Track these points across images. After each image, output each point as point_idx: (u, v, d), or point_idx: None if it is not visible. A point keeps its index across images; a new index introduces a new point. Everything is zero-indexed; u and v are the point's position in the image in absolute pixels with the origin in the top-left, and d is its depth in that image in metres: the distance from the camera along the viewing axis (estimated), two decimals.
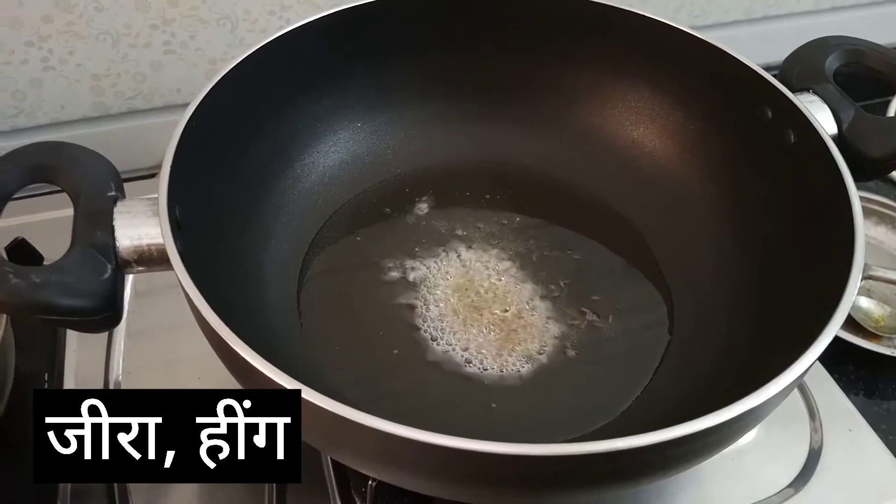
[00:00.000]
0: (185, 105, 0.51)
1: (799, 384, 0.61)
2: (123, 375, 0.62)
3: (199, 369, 0.62)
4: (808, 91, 0.58)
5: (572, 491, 0.40)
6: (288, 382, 0.37)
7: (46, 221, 0.70)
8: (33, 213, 0.70)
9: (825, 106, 0.56)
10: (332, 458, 0.56)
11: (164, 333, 0.65)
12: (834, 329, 0.42)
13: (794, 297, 0.50)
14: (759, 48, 0.59)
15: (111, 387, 0.61)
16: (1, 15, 0.72)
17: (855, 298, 0.73)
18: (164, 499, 0.56)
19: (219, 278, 0.50)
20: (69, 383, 0.61)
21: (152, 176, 0.84)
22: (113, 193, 0.47)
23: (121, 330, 0.64)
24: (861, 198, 0.49)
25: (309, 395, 0.36)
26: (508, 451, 0.35)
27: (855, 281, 0.44)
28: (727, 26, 1.00)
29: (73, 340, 0.64)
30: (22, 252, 0.62)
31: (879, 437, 0.62)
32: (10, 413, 0.54)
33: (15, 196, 0.47)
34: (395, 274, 0.62)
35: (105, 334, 0.64)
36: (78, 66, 0.78)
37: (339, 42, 0.64)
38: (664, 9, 0.93)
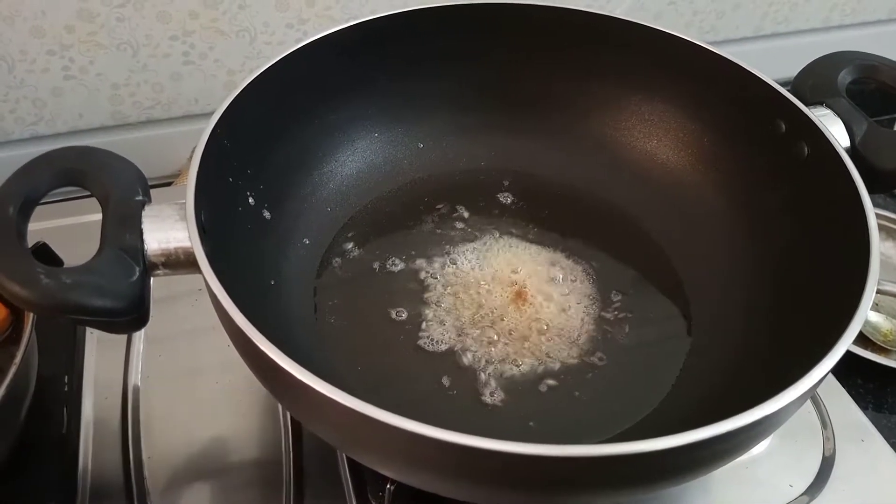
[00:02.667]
0: (203, 115, 0.53)
1: (812, 395, 0.62)
2: (142, 380, 0.63)
3: (216, 375, 0.63)
4: (822, 105, 0.59)
5: (592, 493, 0.41)
6: (312, 381, 0.38)
7: (67, 227, 0.70)
8: (54, 218, 0.71)
9: (838, 119, 0.57)
10: (348, 463, 0.57)
11: (182, 340, 0.66)
12: (850, 338, 0.42)
13: (810, 306, 0.51)
14: (768, 64, 0.60)
15: (130, 392, 0.62)
16: (24, 24, 0.74)
17: None
18: (180, 500, 0.56)
19: (241, 282, 0.51)
20: (88, 388, 0.62)
21: (170, 184, 0.86)
22: (141, 198, 0.47)
23: (139, 335, 0.65)
24: None
25: (333, 393, 0.37)
26: (530, 452, 0.36)
27: (871, 291, 0.45)
28: (737, 42, 1.01)
29: (93, 346, 0.65)
30: (43, 256, 0.63)
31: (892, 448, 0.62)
32: (32, 415, 0.54)
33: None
34: (412, 284, 0.62)
35: (124, 340, 0.65)
36: (98, 76, 0.80)
37: (357, 54, 0.65)
38: (674, 24, 0.94)
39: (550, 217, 0.68)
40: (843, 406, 0.65)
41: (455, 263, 0.64)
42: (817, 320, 0.47)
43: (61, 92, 0.80)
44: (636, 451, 0.36)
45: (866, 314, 0.44)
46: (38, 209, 0.47)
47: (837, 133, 0.56)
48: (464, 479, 0.40)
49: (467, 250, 0.65)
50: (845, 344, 0.42)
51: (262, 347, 0.39)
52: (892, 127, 0.90)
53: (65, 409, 0.59)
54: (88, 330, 0.65)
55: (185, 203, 0.46)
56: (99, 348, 0.64)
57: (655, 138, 0.68)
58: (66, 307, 0.41)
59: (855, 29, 1.06)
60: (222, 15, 0.79)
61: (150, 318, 0.59)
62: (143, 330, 0.64)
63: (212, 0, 0.77)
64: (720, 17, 0.97)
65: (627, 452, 0.36)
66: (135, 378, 0.63)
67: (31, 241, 0.63)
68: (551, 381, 0.56)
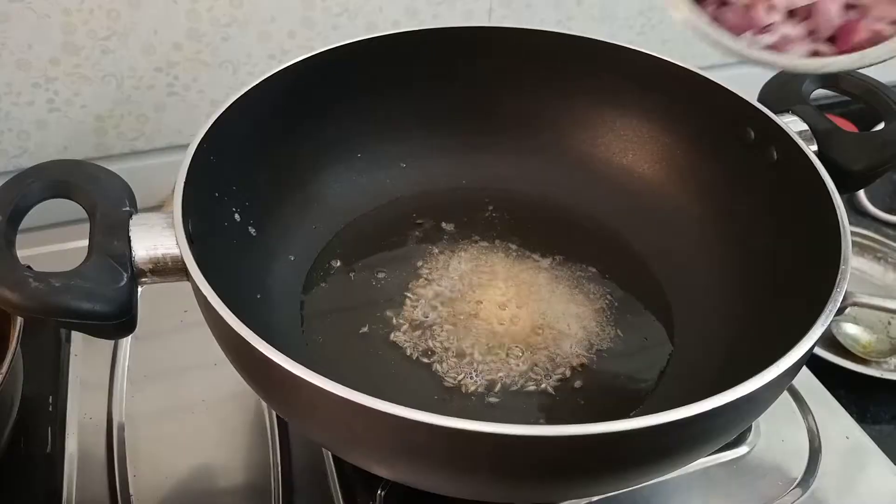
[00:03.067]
0: (187, 146, 0.53)
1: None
2: (128, 400, 0.62)
3: (203, 393, 0.63)
4: (788, 112, 0.61)
5: (587, 477, 0.41)
6: (303, 372, 0.38)
7: (52, 253, 0.71)
8: (39, 245, 0.71)
9: (805, 124, 0.60)
10: (338, 476, 0.57)
11: (168, 359, 0.66)
12: (824, 324, 0.43)
13: (787, 300, 0.52)
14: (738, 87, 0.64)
15: (115, 411, 0.61)
16: (10, 57, 0.75)
17: (843, 325, 0.77)
18: (172, 499, 0.56)
19: (226, 295, 0.52)
20: (73, 408, 0.61)
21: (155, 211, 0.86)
22: (128, 209, 0.48)
23: (124, 355, 0.65)
24: None
25: (324, 383, 0.37)
26: (521, 433, 0.36)
27: (843, 277, 0.46)
28: (705, 70, 1.04)
29: (77, 366, 0.65)
30: None
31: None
32: (16, 435, 0.54)
33: (22, 227, 0.48)
34: (398, 297, 0.63)
35: (108, 360, 0.65)
36: (83, 108, 0.81)
37: (339, 76, 0.67)
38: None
39: (533, 231, 0.69)
40: (827, 407, 0.66)
41: (441, 277, 0.65)
42: (795, 312, 0.48)
43: (46, 124, 0.80)
44: (621, 429, 0.36)
45: (839, 301, 0.45)
46: (24, 236, 0.47)
47: (805, 137, 0.58)
48: (457, 468, 0.40)
49: (453, 263, 0.66)
50: (820, 328, 0.43)
51: (252, 342, 0.40)
52: None
53: (49, 429, 0.58)
54: (73, 351, 0.65)
55: (172, 212, 0.47)
56: (84, 369, 0.64)
57: (631, 152, 0.70)
58: (55, 310, 0.42)
59: None
60: (206, 47, 0.80)
61: (136, 337, 0.60)
62: (128, 349, 0.65)
63: (195, 32, 0.79)
64: (688, 46, 1.01)
65: (616, 430, 0.36)
66: (120, 398, 0.62)
67: None
68: (540, 387, 0.57)
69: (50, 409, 0.60)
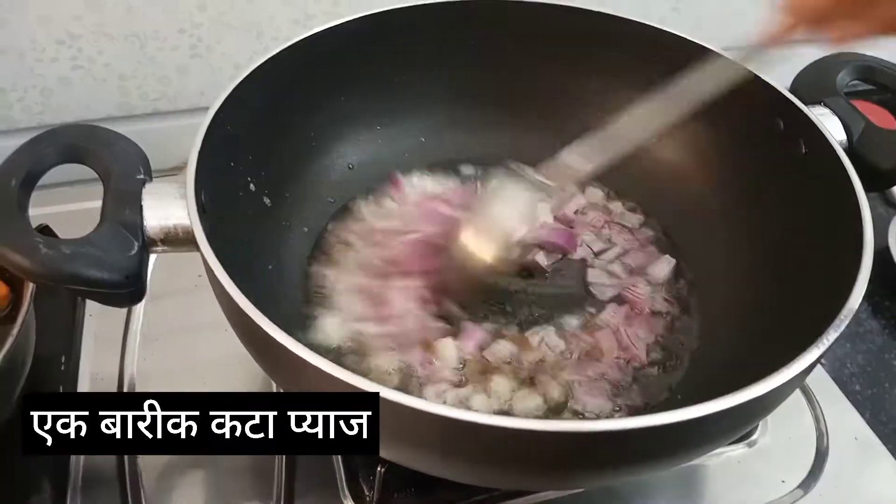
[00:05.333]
0: (209, 108, 0.53)
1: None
2: (139, 362, 0.63)
3: (212, 360, 0.63)
4: (820, 104, 0.59)
5: (591, 471, 0.41)
6: (306, 354, 0.38)
7: (70, 212, 0.71)
8: (57, 203, 0.72)
9: (836, 118, 0.58)
10: None
11: (180, 325, 0.66)
12: (836, 332, 0.42)
13: (807, 297, 0.51)
14: (770, 74, 0.61)
15: (126, 373, 0.62)
16: (34, 12, 0.74)
17: None
18: (173, 485, 0.57)
19: (238, 264, 0.52)
20: (85, 369, 0.62)
21: (175, 174, 0.86)
22: (142, 177, 0.48)
23: (138, 317, 0.66)
24: None
25: (326, 366, 0.37)
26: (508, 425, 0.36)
27: (862, 283, 0.45)
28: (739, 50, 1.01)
29: (91, 327, 0.66)
30: None
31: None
32: (30, 390, 0.54)
33: (42, 183, 0.48)
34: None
35: (122, 323, 0.65)
36: (106, 66, 0.80)
37: (362, 46, 0.66)
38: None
39: None
40: (838, 406, 0.65)
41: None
42: (815, 308, 0.47)
43: (69, 82, 0.80)
44: (633, 426, 0.36)
45: (857, 305, 0.44)
46: (43, 194, 0.47)
47: (835, 131, 0.56)
48: (452, 454, 0.40)
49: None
50: (834, 333, 0.42)
51: (258, 322, 0.40)
52: None
53: (61, 389, 0.59)
54: (87, 312, 0.66)
55: (185, 182, 0.47)
56: (98, 329, 0.65)
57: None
58: (64, 277, 0.42)
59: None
60: (230, 9, 0.79)
61: (151, 298, 0.60)
62: (142, 311, 0.66)
63: None
64: (723, 25, 0.98)
65: (627, 428, 0.36)
66: (132, 358, 0.63)
67: (33, 224, 0.65)
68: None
69: (62, 368, 0.61)
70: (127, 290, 0.44)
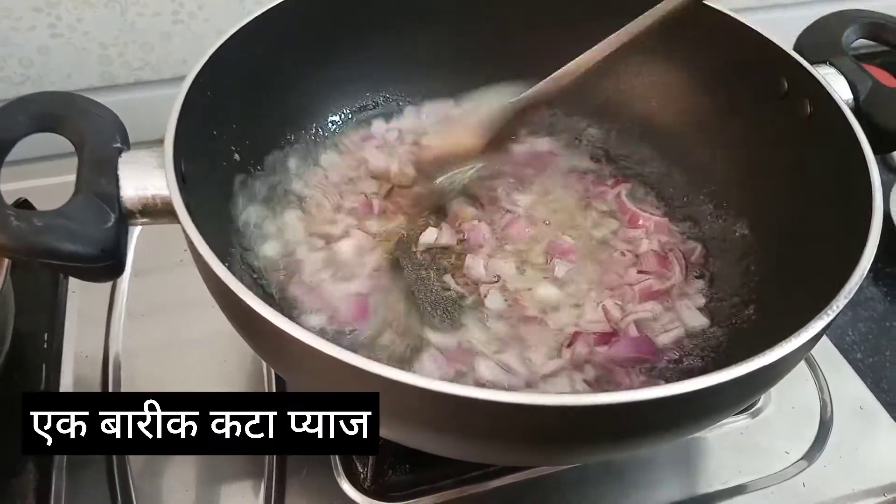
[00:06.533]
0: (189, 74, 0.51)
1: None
2: (124, 339, 0.61)
3: (200, 337, 0.61)
4: (826, 63, 0.57)
5: (589, 445, 0.40)
6: (290, 328, 0.36)
7: (49, 185, 0.69)
8: (37, 177, 0.70)
9: (842, 77, 0.55)
10: None
11: (167, 301, 0.64)
12: (844, 299, 0.41)
13: (814, 263, 0.50)
14: (774, 35, 0.59)
15: (111, 351, 0.60)
16: None
17: None
18: (162, 466, 0.55)
19: (222, 235, 0.50)
20: (69, 346, 0.61)
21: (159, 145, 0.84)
22: (118, 145, 0.46)
23: (122, 294, 0.64)
24: None
25: (320, 344, 0.36)
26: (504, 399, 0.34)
27: (872, 248, 0.43)
28: (742, 12, 0.98)
29: (75, 304, 0.64)
30: None
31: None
32: (9, 370, 0.53)
33: (20, 158, 0.46)
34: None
35: (106, 299, 0.64)
36: (86, 35, 0.78)
37: (349, 8, 0.63)
38: None
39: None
40: (841, 375, 0.63)
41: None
42: (820, 278, 0.46)
43: (48, 51, 0.78)
44: (635, 399, 0.34)
45: (866, 270, 0.42)
46: (22, 168, 0.45)
47: (841, 90, 0.54)
48: (446, 429, 0.39)
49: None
50: (842, 301, 0.41)
51: (241, 296, 0.38)
52: None
53: (44, 367, 0.58)
54: (70, 288, 0.64)
55: (163, 150, 0.45)
56: (81, 305, 0.63)
57: (655, 100, 0.67)
58: (37, 250, 0.40)
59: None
60: None
61: (136, 273, 0.58)
62: (126, 286, 0.64)
63: None
64: None
65: (630, 400, 0.34)
66: (117, 335, 0.62)
67: (12, 199, 0.63)
68: None
69: (45, 346, 0.59)
70: (103, 263, 0.42)
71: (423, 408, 0.36)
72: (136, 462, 0.54)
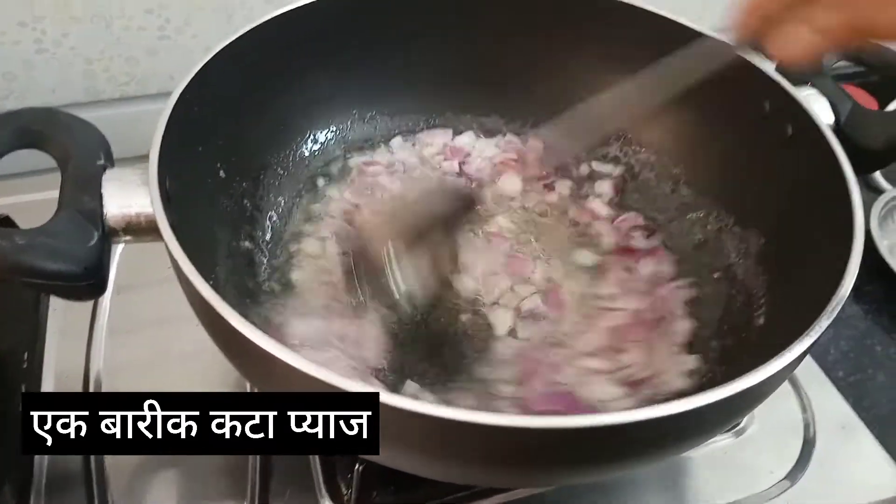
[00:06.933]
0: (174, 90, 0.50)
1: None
2: (105, 359, 0.61)
3: (182, 357, 0.61)
4: (807, 84, 0.57)
5: (573, 467, 0.39)
6: (272, 347, 0.36)
7: (33, 202, 0.68)
8: (20, 193, 0.69)
9: (823, 98, 0.56)
10: None
11: (149, 321, 0.64)
12: (827, 320, 0.41)
13: (796, 284, 0.50)
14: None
15: (92, 370, 0.60)
16: None
17: None
18: (143, 486, 0.54)
19: (206, 253, 0.50)
20: (49, 365, 0.60)
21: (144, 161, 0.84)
22: (102, 162, 0.46)
23: (104, 312, 0.63)
24: None
25: (293, 359, 0.35)
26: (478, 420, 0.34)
27: (854, 268, 0.44)
28: (722, 32, 1.00)
29: (56, 322, 0.63)
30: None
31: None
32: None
33: (3, 173, 0.45)
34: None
35: (88, 317, 0.63)
36: (71, 49, 0.77)
37: (336, 26, 0.63)
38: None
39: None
40: (824, 393, 0.64)
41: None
42: (806, 295, 0.46)
43: (32, 66, 0.77)
44: (615, 421, 0.34)
45: (848, 291, 0.42)
46: (4, 184, 0.45)
47: (822, 112, 0.55)
48: (431, 452, 0.39)
49: None
50: (825, 322, 0.41)
51: (225, 316, 0.38)
52: None
53: (23, 386, 0.57)
54: (51, 306, 0.63)
55: (148, 168, 0.44)
56: (62, 325, 0.62)
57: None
58: (19, 269, 0.39)
59: None
60: None
61: (118, 290, 0.58)
62: (108, 304, 0.63)
63: None
64: (706, 7, 0.97)
65: (609, 423, 0.34)
66: (98, 355, 0.61)
67: None
68: None
69: (25, 365, 0.58)
70: (86, 282, 0.42)
71: (410, 431, 0.36)
72: (116, 485, 0.53)
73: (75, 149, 0.45)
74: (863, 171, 0.54)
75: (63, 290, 0.42)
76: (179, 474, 0.55)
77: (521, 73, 0.68)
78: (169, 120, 0.47)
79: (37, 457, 0.54)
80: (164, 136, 0.46)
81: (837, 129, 0.55)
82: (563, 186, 0.68)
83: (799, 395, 0.63)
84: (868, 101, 0.89)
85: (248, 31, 0.56)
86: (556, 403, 0.51)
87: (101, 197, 0.43)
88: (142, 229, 0.44)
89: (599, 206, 0.67)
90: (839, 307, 0.42)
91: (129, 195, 0.44)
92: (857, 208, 0.47)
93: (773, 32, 0.44)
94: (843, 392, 0.65)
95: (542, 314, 0.58)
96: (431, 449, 0.38)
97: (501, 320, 0.57)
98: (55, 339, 0.61)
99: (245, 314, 0.38)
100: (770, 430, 0.60)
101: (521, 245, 0.63)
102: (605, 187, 0.68)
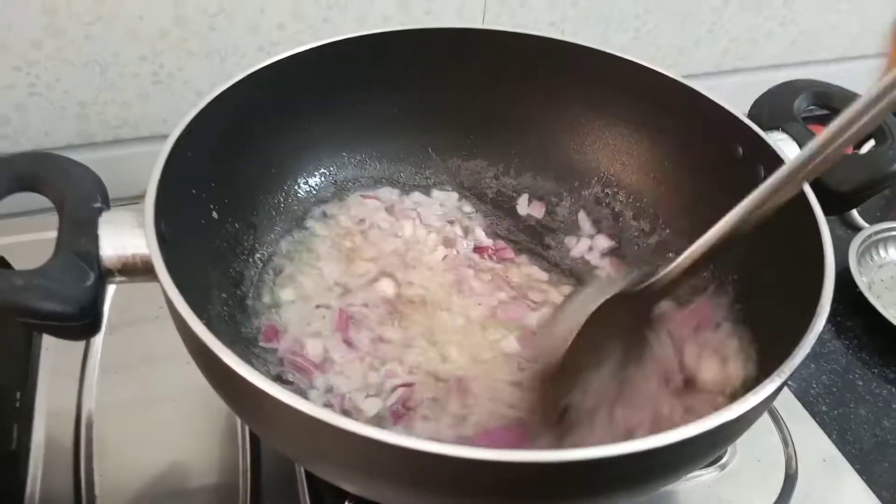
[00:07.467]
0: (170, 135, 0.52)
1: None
2: (97, 397, 0.61)
3: (174, 395, 0.61)
4: (778, 129, 0.60)
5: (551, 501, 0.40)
6: (268, 387, 0.37)
7: (28, 243, 0.69)
8: (14, 234, 0.70)
9: (794, 143, 0.59)
10: (307, 483, 0.56)
11: (140, 360, 0.65)
12: (801, 355, 0.42)
13: (770, 323, 0.51)
14: (730, 98, 0.62)
15: (84, 409, 0.60)
16: None
17: None
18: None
19: (199, 293, 0.51)
20: (41, 404, 0.60)
21: (137, 203, 0.85)
22: (98, 205, 0.47)
23: (96, 351, 0.64)
24: None
25: (290, 399, 0.36)
26: (481, 457, 0.35)
27: (825, 306, 0.45)
28: (698, 77, 1.04)
29: (48, 362, 0.63)
30: None
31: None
32: None
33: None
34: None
35: (80, 357, 0.64)
36: (65, 93, 0.79)
37: (326, 74, 0.65)
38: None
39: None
40: (806, 428, 0.65)
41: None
42: (778, 334, 0.48)
43: (26, 109, 0.79)
44: (594, 456, 0.35)
45: (816, 336, 0.44)
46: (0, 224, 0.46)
47: (792, 155, 0.57)
48: (421, 488, 0.39)
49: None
50: (800, 356, 0.42)
51: (219, 354, 0.39)
52: None
53: (15, 426, 0.57)
54: (44, 345, 0.64)
55: (143, 210, 0.46)
56: (54, 364, 0.63)
57: (619, 162, 0.70)
58: (16, 309, 0.40)
59: (813, 66, 1.09)
60: (192, 36, 0.79)
61: (110, 330, 0.59)
62: (100, 343, 0.64)
63: (182, 20, 0.77)
64: (682, 53, 1.00)
65: (588, 458, 0.35)
66: (90, 394, 0.61)
67: None
68: None
69: (17, 404, 0.58)
70: (81, 322, 0.43)
71: (404, 467, 0.37)
72: None
73: (72, 192, 0.46)
74: (834, 212, 0.56)
75: (59, 330, 0.43)
76: (169, 499, 0.56)
77: (500, 118, 0.71)
78: (164, 164, 0.49)
79: (28, 490, 0.54)
80: (160, 180, 0.48)
81: None
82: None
83: (780, 429, 0.64)
84: None
85: (240, 79, 0.58)
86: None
87: (97, 238, 0.45)
88: (137, 270, 0.45)
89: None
90: (810, 345, 0.43)
91: (124, 237, 0.45)
92: (828, 247, 0.49)
93: None
94: (825, 427, 0.66)
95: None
96: (425, 484, 0.39)
97: None
98: (47, 378, 0.62)
99: (238, 353, 0.39)
100: (753, 465, 0.61)
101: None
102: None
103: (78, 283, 0.43)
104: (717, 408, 0.38)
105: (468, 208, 0.71)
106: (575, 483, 0.39)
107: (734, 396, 0.50)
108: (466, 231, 0.69)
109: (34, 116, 0.79)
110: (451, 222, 0.69)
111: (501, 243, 0.68)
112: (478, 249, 0.67)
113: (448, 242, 0.67)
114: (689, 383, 0.53)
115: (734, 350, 0.54)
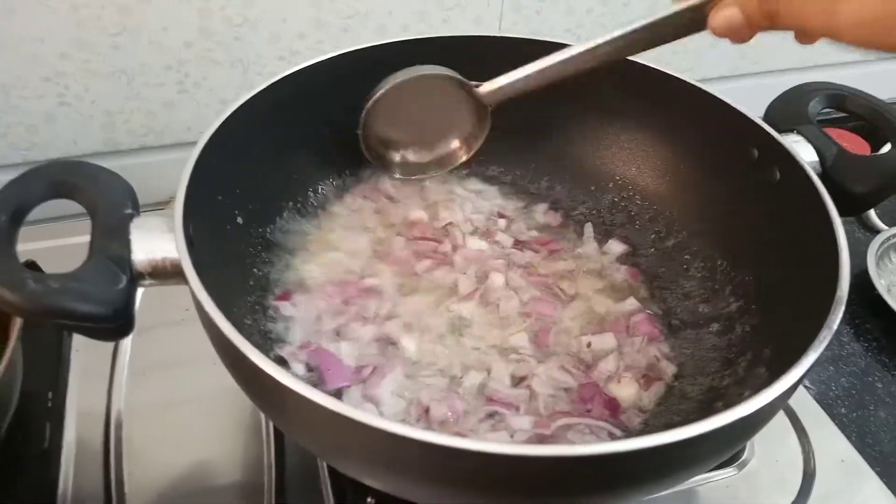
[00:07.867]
0: (196, 144, 0.53)
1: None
2: (126, 398, 0.63)
3: (201, 394, 0.63)
4: (793, 132, 0.61)
5: (573, 497, 0.41)
6: (294, 384, 0.38)
7: (57, 247, 0.71)
8: (44, 239, 0.72)
9: (809, 145, 0.59)
10: (330, 480, 0.57)
11: (169, 360, 0.66)
12: (818, 350, 0.43)
13: (787, 323, 0.52)
14: (744, 102, 0.63)
15: (114, 409, 0.62)
16: (21, 50, 0.75)
17: None
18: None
19: (226, 295, 0.52)
20: (72, 405, 0.62)
21: (162, 208, 0.87)
22: (129, 211, 0.48)
23: (125, 353, 0.66)
24: None
25: (315, 396, 0.38)
26: (507, 452, 0.36)
27: (839, 306, 0.45)
28: (713, 81, 1.04)
29: (78, 363, 0.65)
30: None
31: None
32: (14, 430, 0.54)
33: (27, 219, 0.48)
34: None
35: (109, 358, 0.65)
36: (92, 103, 0.81)
37: (349, 82, 0.66)
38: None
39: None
40: (825, 430, 0.65)
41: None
42: (793, 335, 0.48)
43: (54, 118, 0.81)
44: (611, 451, 0.36)
45: (835, 327, 0.44)
46: (30, 230, 0.47)
47: (808, 158, 0.58)
48: (445, 483, 0.40)
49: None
50: (813, 355, 0.43)
51: (247, 353, 0.40)
52: None
53: (47, 425, 0.59)
54: (74, 347, 0.66)
55: (172, 215, 0.47)
56: (84, 366, 0.65)
57: (635, 166, 0.70)
58: (53, 312, 0.42)
59: (828, 69, 1.09)
60: (216, 45, 0.81)
61: (139, 332, 0.60)
62: (129, 345, 0.66)
63: (206, 31, 0.79)
64: (697, 59, 1.01)
65: (606, 452, 0.36)
66: (119, 394, 0.63)
67: (20, 260, 0.65)
68: None
69: (49, 404, 0.60)
70: (115, 323, 0.44)
71: (427, 460, 0.38)
72: None
73: (104, 198, 0.48)
74: (849, 213, 0.56)
75: (93, 331, 0.44)
76: (195, 495, 0.57)
77: (516, 124, 0.71)
78: (192, 171, 0.50)
79: (60, 488, 0.56)
80: (188, 187, 0.49)
81: (823, 173, 0.58)
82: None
83: (798, 431, 0.65)
84: (861, 146, 0.92)
85: (264, 88, 0.60)
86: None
87: (129, 243, 0.46)
88: (167, 273, 0.47)
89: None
90: (825, 343, 0.43)
91: (154, 241, 0.47)
92: (843, 248, 0.49)
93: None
94: (844, 429, 0.67)
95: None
96: (447, 478, 0.40)
97: None
98: (77, 379, 0.64)
99: (264, 352, 0.40)
100: (771, 465, 0.62)
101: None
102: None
103: (111, 286, 0.44)
104: None
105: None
106: (592, 477, 0.39)
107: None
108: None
109: (63, 125, 0.82)
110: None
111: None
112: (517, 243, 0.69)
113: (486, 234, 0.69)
114: None
115: None
